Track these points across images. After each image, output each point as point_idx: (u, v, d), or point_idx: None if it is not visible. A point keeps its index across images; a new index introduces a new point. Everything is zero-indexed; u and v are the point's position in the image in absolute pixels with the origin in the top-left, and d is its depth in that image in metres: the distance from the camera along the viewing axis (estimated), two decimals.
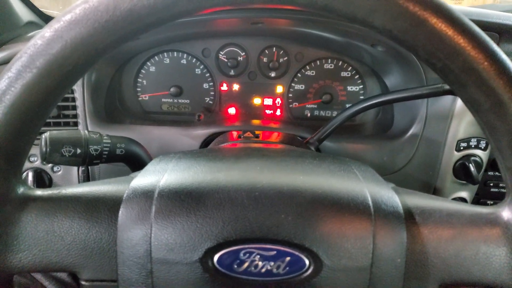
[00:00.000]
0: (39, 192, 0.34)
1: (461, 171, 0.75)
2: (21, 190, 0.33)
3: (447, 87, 0.61)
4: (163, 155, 0.42)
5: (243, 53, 0.88)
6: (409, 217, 0.33)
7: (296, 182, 0.34)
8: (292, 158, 0.42)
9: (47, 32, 0.28)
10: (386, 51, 0.76)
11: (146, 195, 0.33)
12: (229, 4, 0.28)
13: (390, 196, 0.34)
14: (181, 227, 0.31)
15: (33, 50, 0.28)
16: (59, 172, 0.77)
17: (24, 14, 0.87)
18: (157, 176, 0.35)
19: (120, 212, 0.32)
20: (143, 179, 0.35)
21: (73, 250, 0.31)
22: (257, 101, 0.92)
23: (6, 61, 0.74)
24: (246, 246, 0.30)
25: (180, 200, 0.32)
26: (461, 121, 0.73)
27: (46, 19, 0.95)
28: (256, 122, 0.86)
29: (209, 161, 0.39)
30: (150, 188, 0.33)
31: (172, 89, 0.89)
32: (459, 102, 0.73)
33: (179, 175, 0.35)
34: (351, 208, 0.32)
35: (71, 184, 0.77)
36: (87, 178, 0.77)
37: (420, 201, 0.35)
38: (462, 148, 0.74)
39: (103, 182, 0.36)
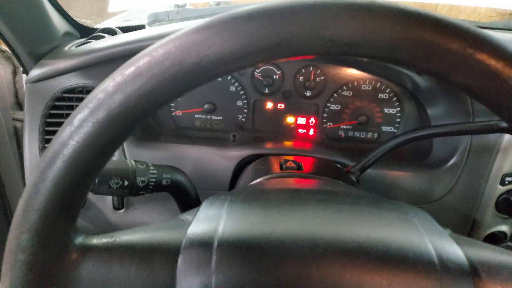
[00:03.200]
0: (94, 240, 0.33)
1: (505, 206, 0.72)
2: (77, 240, 0.32)
3: (501, 125, 0.58)
4: (212, 197, 0.41)
5: (279, 72, 0.87)
6: (475, 275, 0.31)
7: (360, 238, 0.33)
8: (350, 205, 0.40)
9: (109, 86, 0.27)
10: (432, 79, 0.74)
11: (204, 247, 0.32)
12: (298, 55, 0.27)
13: (454, 251, 0.32)
14: (243, 284, 0.30)
15: (95, 104, 0.27)
16: None
17: (61, 25, 0.86)
18: (212, 225, 0.34)
19: (178, 264, 0.31)
20: (198, 228, 0.34)
21: None
22: (290, 120, 0.90)
23: (45, 77, 0.74)
24: None
25: (241, 256, 0.31)
26: (508, 155, 0.71)
27: (81, 29, 0.94)
28: (288, 143, 0.85)
29: (264, 208, 0.38)
30: (208, 240, 0.32)
31: (206, 106, 0.88)
32: (506, 136, 0.71)
33: (236, 225, 0.34)
34: (417, 268, 0.31)
35: (105, 202, 0.77)
36: (121, 199, 0.77)
37: (484, 254, 0.33)
38: (507, 182, 0.72)
39: (157, 228, 0.35)
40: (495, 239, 0.78)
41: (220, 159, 0.79)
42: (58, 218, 0.29)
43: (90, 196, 0.77)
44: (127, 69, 0.27)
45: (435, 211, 0.77)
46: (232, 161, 0.78)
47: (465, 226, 0.78)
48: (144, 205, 0.79)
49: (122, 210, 0.78)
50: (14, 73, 1.04)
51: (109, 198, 0.77)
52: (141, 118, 0.28)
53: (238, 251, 0.31)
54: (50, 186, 0.28)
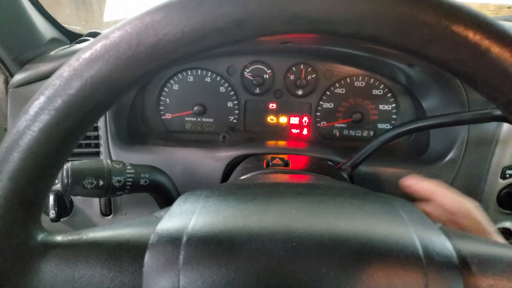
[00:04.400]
0: (59, 238, 0.31)
1: (507, 200, 0.69)
2: (40, 237, 0.30)
3: (496, 112, 0.56)
4: (189, 192, 0.39)
5: (269, 71, 0.85)
6: (465, 268, 0.28)
7: (338, 230, 0.30)
8: (330, 197, 0.38)
9: (65, 71, 0.25)
10: (424, 70, 0.71)
11: (173, 243, 0.30)
12: (263, 35, 0.25)
13: (442, 243, 0.30)
14: (211, 281, 0.27)
15: (51, 91, 0.26)
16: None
17: (47, 31, 0.85)
18: (183, 220, 0.32)
19: (145, 261, 0.29)
20: (168, 224, 0.32)
21: None
22: (283, 120, 0.88)
23: (28, 82, 0.73)
24: None
25: (210, 251, 0.29)
26: (507, 146, 0.68)
27: (70, 35, 0.93)
28: (282, 143, 0.82)
29: (239, 201, 0.35)
30: (177, 235, 0.30)
31: (195, 108, 0.86)
32: (505, 126, 0.68)
33: (208, 219, 0.32)
34: (400, 260, 0.28)
35: (92, 208, 0.75)
36: (108, 202, 0.75)
37: (475, 247, 0.30)
38: (508, 175, 0.69)
39: (127, 224, 0.33)
40: None
41: (210, 161, 0.76)
42: (16, 214, 0.28)
43: (77, 202, 0.75)
44: (84, 53, 0.25)
45: None
46: (222, 163, 0.76)
47: None
48: (133, 211, 0.77)
49: (110, 216, 0.76)
50: (6, 82, 1.04)
51: (96, 204, 0.75)
52: (103, 105, 0.26)
53: (207, 246, 0.29)
54: (6, 180, 0.26)
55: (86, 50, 0.25)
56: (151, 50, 0.24)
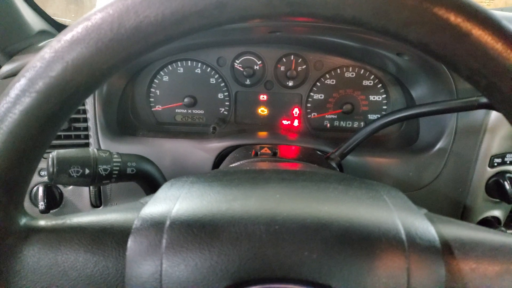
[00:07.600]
0: (42, 222, 0.31)
1: (495, 189, 0.69)
2: (23, 221, 0.30)
3: (482, 100, 0.56)
4: (175, 179, 0.39)
5: (260, 62, 0.85)
6: (447, 252, 0.29)
7: (320, 214, 0.30)
8: (315, 183, 0.38)
9: (46, 53, 0.25)
10: (413, 59, 0.71)
11: (156, 227, 0.30)
12: (245, 19, 0.25)
13: (425, 227, 0.30)
14: (194, 264, 0.28)
15: (32, 73, 0.25)
16: (70, 187, 0.75)
17: (35, 23, 0.85)
18: (168, 205, 0.32)
19: (128, 245, 0.29)
20: (153, 208, 0.32)
21: (78, 286, 0.28)
22: (273, 111, 0.88)
23: (15, 73, 0.72)
24: (266, 286, 0.27)
25: (193, 234, 0.29)
26: (495, 135, 0.68)
27: (59, 27, 0.93)
28: (272, 134, 0.82)
29: (224, 187, 0.36)
30: (161, 219, 0.30)
31: (186, 100, 0.86)
32: (493, 115, 0.68)
33: (192, 204, 0.32)
34: (382, 243, 0.28)
35: (82, 199, 0.75)
36: (98, 193, 0.75)
37: (458, 232, 0.31)
38: (496, 164, 0.69)
39: (111, 209, 0.33)
40: (488, 225, 0.74)
41: (200, 152, 0.76)
42: None
43: (66, 193, 0.75)
44: (65, 35, 0.25)
45: (424, 197, 0.74)
46: (212, 153, 0.76)
47: (456, 213, 0.75)
48: (123, 201, 0.77)
49: (100, 207, 0.76)
50: None
51: (86, 195, 0.75)
52: (85, 89, 0.26)
53: (190, 230, 0.29)
54: None
55: (67, 32, 0.25)
56: (132, 33, 0.24)
